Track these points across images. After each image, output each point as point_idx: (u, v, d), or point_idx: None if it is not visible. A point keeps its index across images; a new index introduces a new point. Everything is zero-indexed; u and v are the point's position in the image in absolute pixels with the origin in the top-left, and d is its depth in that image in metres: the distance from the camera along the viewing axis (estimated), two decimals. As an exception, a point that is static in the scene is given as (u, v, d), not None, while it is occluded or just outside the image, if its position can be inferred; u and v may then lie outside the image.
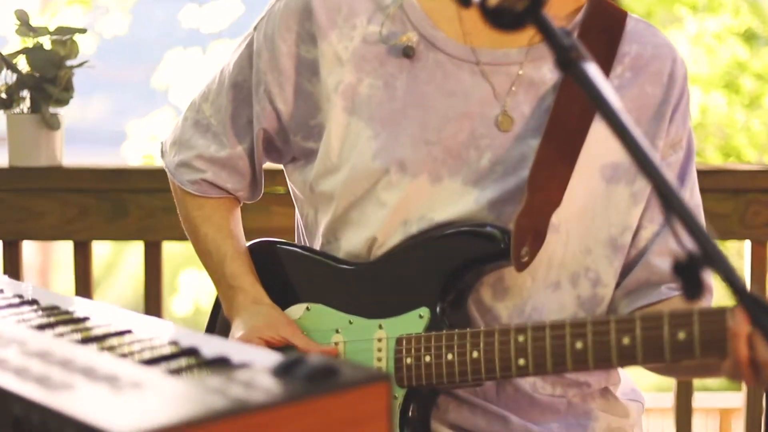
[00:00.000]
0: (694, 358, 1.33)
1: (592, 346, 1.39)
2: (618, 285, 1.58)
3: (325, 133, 1.57)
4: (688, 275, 1.12)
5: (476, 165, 1.54)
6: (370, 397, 1.06)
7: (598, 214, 1.56)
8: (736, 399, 3.44)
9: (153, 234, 2.46)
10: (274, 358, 1.05)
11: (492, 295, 1.54)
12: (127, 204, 2.41)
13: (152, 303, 2.48)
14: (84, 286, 2.47)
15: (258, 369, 1.01)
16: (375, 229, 1.55)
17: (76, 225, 2.42)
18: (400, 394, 1.51)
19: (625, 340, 1.37)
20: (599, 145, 1.53)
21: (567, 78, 1.43)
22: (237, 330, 1.55)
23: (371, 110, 1.55)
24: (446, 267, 1.52)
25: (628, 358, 1.37)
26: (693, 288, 1.10)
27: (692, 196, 1.61)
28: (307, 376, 1.03)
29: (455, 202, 1.52)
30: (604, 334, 1.38)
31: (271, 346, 1.54)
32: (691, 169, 1.60)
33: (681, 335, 1.33)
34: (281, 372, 1.02)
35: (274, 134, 1.65)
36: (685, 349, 1.33)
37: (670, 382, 2.65)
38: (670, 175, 1.54)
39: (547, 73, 1.54)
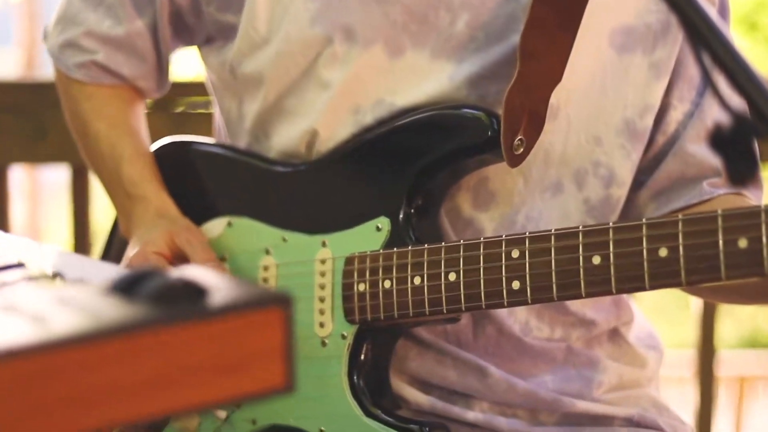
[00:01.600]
0: (764, 274, 1.06)
1: (615, 260, 1.11)
2: (642, 184, 1.34)
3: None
4: (734, 149, 0.84)
5: (449, 31, 1.28)
6: (252, 329, 0.79)
7: (609, 92, 1.31)
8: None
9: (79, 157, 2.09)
10: (119, 272, 0.82)
11: (472, 202, 1.30)
12: (47, 123, 2.05)
13: (80, 236, 2.13)
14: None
15: (91, 286, 0.82)
16: (315, 119, 1.32)
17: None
18: (349, 332, 1.27)
19: (663, 252, 1.09)
20: (606, 4, 1.28)
21: None
22: (131, 249, 1.26)
23: None
24: (412, 165, 1.26)
25: (666, 276, 1.10)
26: (740, 166, 0.73)
27: None
28: (153, 297, 0.79)
29: (422, 80, 1.28)
30: (632, 244, 1.11)
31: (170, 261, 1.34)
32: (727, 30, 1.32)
33: (742, 243, 1.06)
34: (121, 290, 0.78)
35: (183, 6, 1.41)
36: (750, 262, 1.06)
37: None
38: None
39: None
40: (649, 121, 1.30)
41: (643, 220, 1.11)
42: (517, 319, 1.31)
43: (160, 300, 0.77)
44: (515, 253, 1.15)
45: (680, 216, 1.09)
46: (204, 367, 0.77)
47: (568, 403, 1.31)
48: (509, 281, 1.16)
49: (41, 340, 0.68)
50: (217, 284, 0.81)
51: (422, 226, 1.25)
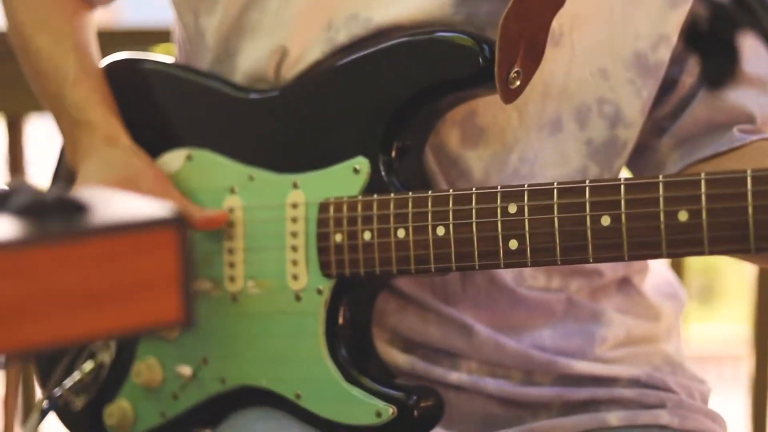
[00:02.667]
0: None
1: (628, 223, 0.98)
2: (665, 130, 1.21)
3: None
4: (711, 43, 0.74)
5: None
6: (139, 252, 0.70)
7: (618, 19, 1.16)
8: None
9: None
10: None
11: (460, 138, 1.18)
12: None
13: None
14: None
15: None
16: (282, 35, 1.19)
17: None
18: (325, 286, 1.15)
19: (683, 216, 0.95)
20: None
21: None
22: (78, 183, 1.12)
23: None
24: (393, 96, 1.13)
25: (687, 244, 0.96)
26: (718, 63, 0.62)
27: None
28: (21, 212, 0.70)
29: None
30: (647, 204, 0.97)
31: None
32: None
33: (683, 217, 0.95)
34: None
35: None
36: None
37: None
38: None
39: None
40: (664, 54, 1.16)
41: (660, 177, 0.97)
42: (513, 270, 1.18)
43: (29, 215, 0.68)
44: (512, 209, 1.03)
45: (703, 174, 0.95)
46: (81, 294, 0.68)
47: (564, 364, 1.18)
48: (506, 240, 1.03)
49: None
50: (100, 202, 0.71)
51: (405, 168, 1.12)
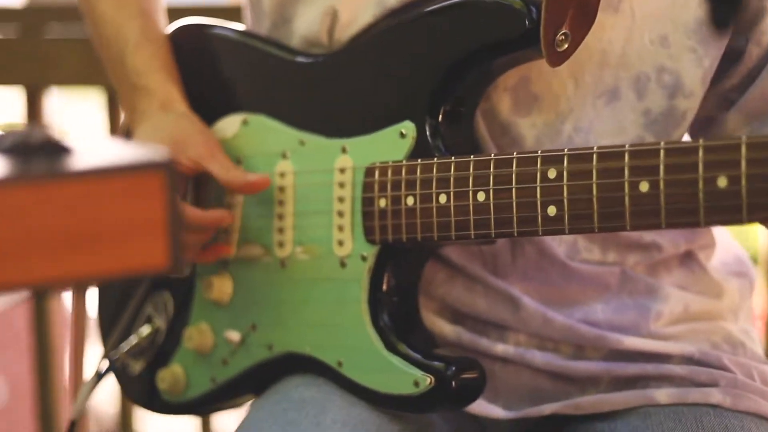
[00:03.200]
0: None
1: (665, 188, 0.94)
2: (733, 104, 1.16)
3: None
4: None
5: None
6: (125, 195, 0.70)
7: None
8: None
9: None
10: None
11: (512, 105, 1.14)
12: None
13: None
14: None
15: None
16: (320, 8, 1.18)
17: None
18: (370, 253, 1.14)
19: (722, 182, 0.90)
20: None
21: None
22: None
23: None
24: (440, 60, 1.10)
25: (725, 211, 0.92)
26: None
27: None
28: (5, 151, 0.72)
29: None
30: (685, 170, 0.92)
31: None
32: None
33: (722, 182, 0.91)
34: None
35: None
36: None
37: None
38: None
39: None
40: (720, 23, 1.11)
41: (700, 142, 0.92)
42: (563, 239, 1.15)
43: (13, 155, 0.68)
44: (552, 174, 0.99)
45: (744, 138, 0.90)
46: (66, 236, 0.68)
47: (615, 340, 1.14)
48: (544, 206, 1.00)
49: None
50: (90, 146, 0.71)
51: (453, 133, 1.10)
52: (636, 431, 1.10)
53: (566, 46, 1.03)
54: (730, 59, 1.15)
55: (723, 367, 1.16)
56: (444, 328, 1.18)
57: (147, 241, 0.69)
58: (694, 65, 1.13)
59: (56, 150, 0.68)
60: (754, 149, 0.89)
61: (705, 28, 1.12)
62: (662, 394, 1.13)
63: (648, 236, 1.17)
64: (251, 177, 1.17)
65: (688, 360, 1.17)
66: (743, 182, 0.89)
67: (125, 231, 0.69)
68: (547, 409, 1.14)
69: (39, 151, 0.68)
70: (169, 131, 1.22)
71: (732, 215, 0.91)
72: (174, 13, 1.41)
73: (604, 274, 1.16)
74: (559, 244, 1.15)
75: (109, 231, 0.68)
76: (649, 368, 1.14)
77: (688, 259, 1.22)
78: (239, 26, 1.31)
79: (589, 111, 1.13)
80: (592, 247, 1.16)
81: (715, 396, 1.13)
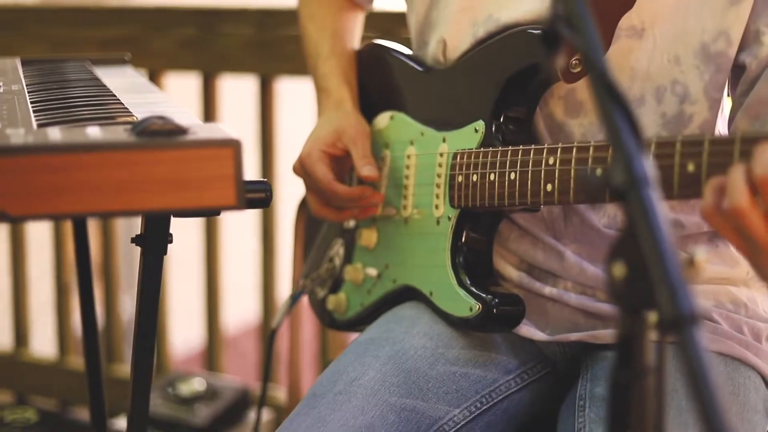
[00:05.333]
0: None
1: (660, 170, 1.23)
2: (740, 106, 1.48)
3: None
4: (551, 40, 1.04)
5: None
6: (213, 158, 1.17)
7: (690, 17, 1.46)
8: None
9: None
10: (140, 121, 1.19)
11: (564, 109, 1.54)
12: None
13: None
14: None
15: (120, 128, 1.19)
16: (445, 30, 1.62)
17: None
18: (453, 215, 1.58)
19: (690, 167, 1.22)
20: None
21: None
22: (309, 136, 1.70)
23: None
24: (500, 75, 1.52)
25: (691, 187, 1.22)
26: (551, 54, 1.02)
27: None
28: (145, 131, 1.20)
29: (521, 1, 1.51)
30: (667, 158, 1.24)
31: (334, 156, 1.66)
32: None
33: (690, 167, 1.22)
34: (134, 129, 1.18)
35: None
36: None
37: None
38: None
39: None
40: (722, 45, 1.45)
41: (678, 137, 1.24)
42: (606, 213, 1.53)
43: (146, 134, 1.16)
44: (551, 160, 1.38)
45: (707, 136, 1.21)
46: (173, 181, 1.15)
47: None
48: (545, 183, 1.38)
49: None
50: (196, 127, 1.19)
51: (513, 130, 1.51)
52: None
53: (579, 69, 1.43)
54: (738, 72, 1.48)
55: (710, 319, 1.52)
56: (512, 273, 1.59)
57: (224, 187, 1.17)
58: (698, 79, 1.47)
59: (174, 131, 1.17)
60: (715, 143, 1.19)
61: (706, 51, 1.46)
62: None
63: (679, 217, 1.52)
64: (366, 171, 1.62)
65: None
66: (704, 168, 1.18)
67: (211, 180, 1.16)
68: (573, 336, 1.54)
69: (161, 131, 1.17)
70: (335, 124, 1.68)
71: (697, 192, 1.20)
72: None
73: None
74: (601, 217, 1.53)
75: (200, 180, 1.16)
76: None
77: (715, 237, 1.55)
78: (403, 48, 1.76)
79: None
80: (614, 220, 1.53)
81: None
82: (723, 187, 1.13)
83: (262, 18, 2.84)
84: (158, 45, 3.00)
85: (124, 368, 3.26)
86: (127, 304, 3.54)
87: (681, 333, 0.85)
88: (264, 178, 2.79)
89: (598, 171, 1.30)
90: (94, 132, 1.16)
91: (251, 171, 2.78)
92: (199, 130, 1.19)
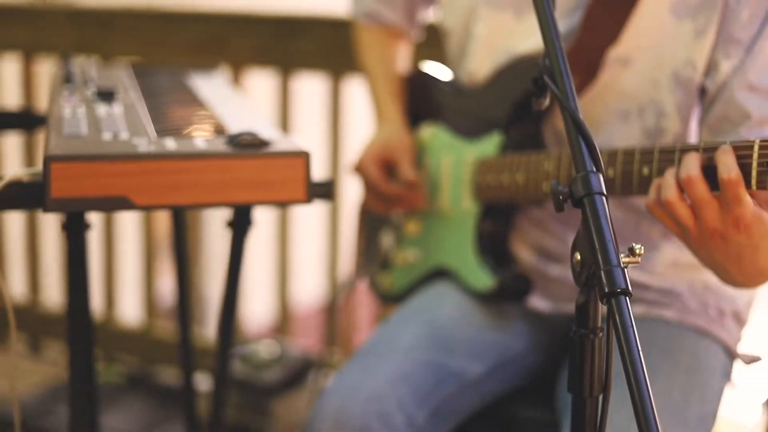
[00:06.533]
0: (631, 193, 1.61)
1: (622, 174, 1.63)
2: (703, 121, 1.80)
3: None
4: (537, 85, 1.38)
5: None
6: (288, 166, 1.59)
7: (667, 48, 1.80)
8: None
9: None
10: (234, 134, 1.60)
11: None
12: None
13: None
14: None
15: (219, 140, 1.60)
16: (472, 60, 2.02)
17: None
18: (477, 208, 1.99)
19: (645, 170, 1.60)
20: None
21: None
22: (365, 145, 2.12)
23: None
24: (513, 96, 1.90)
25: (646, 186, 1.59)
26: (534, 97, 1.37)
27: None
28: (238, 144, 1.50)
29: (533, 35, 1.87)
30: (629, 164, 1.62)
31: (384, 162, 2.07)
32: None
33: (645, 171, 1.59)
34: (229, 142, 1.60)
35: None
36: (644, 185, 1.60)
37: None
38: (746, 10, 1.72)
39: None
40: (689, 72, 1.77)
41: (635, 147, 1.61)
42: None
43: (237, 146, 1.56)
44: (546, 165, 1.77)
45: (657, 146, 1.58)
46: (257, 182, 1.55)
47: None
48: (541, 181, 1.77)
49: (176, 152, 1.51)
50: (276, 140, 1.58)
51: (525, 140, 1.89)
52: None
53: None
54: (702, 93, 1.81)
55: (681, 297, 1.89)
56: (525, 255, 1.98)
57: (294, 186, 1.56)
58: (672, 99, 1.81)
59: (259, 143, 1.56)
60: (663, 152, 1.55)
61: (678, 76, 1.79)
62: (636, 309, 1.87)
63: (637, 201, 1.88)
64: (409, 175, 2.03)
65: (658, 291, 1.90)
66: (654, 172, 1.56)
67: (286, 180, 1.56)
68: (567, 308, 1.92)
69: (250, 143, 1.56)
70: (384, 136, 2.11)
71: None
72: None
73: (624, 230, 1.89)
74: None
75: (278, 181, 1.56)
76: (634, 292, 1.86)
77: None
78: (442, 72, 2.15)
79: (611, 126, 1.85)
80: (617, 213, 1.89)
81: (667, 314, 1.87)
82: (660, 185, 1.51)
83: (332, 24, 3.20)
84: (239, 46, 3.39)
85: (197, 333, 3.67)
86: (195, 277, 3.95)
87: (614, 303, 1.21)
88: (333, 166, 3.20)
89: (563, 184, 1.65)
90: (200, 143, 1.56)
91: (323, 159, 3.20)
92: (279, 142, 1.58)
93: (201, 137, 1.61)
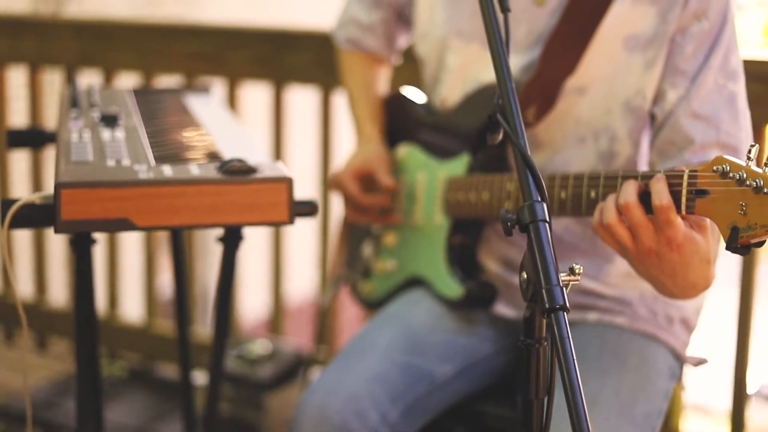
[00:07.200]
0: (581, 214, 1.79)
1: (572, 197, 1.82)
2: (652, 144, 1.98)
3: (414, 6, 2.25)
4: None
5: (515, 35, 2.04)
6: (273, 190, 1.77)
7: (619, 79, 1.98)
8: None
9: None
10: (227, 161, 1.76)
11: (528, 147, 1.97)
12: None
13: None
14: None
15: (211, 166, 1.76)
16: (445, 86, 2.20)
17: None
18: (448, 223, 2.16)
19: (592, 194, 1.78)
20: (623, 18, 1.95)
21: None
22: (345, 162, 2.30)
23: None
24: (479, 121, 2.07)
25: (594, 208, 1.77)
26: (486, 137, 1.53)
27: (726, 62, 1.92)
28: (228, 171, 1.66)
29: None
30: (578, 187, 1.80)
31: (362, 177, 2.24)
32: (722, 36, 1.93)
33: (592, 194, 1.77)
34: (220, 168, 1.71)
35: (399, 6, 2.36)
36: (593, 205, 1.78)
37: None
38: (691, 45, 1.89)
39: None
40: (639, 101, 1.95)
41: (584, 173, 1.78)
42: (562, 222, 2.06)
43: (225, 172, 1.73)
44: (508, 185, 1.94)
45: (602, 171, 1.76)
46: (245, 204, 1.72)
47: (582, 282, 2.05)
48: (503, 201, 1.94)
49: (167, 178, 1.68)
50: (263, 166, 1.76)
51: (492, 162, 2.06)
52: (571, 335, 2.01)
53: (533, 119, 1.98)
54: (652, 119, 1.98)
55: (631, 305, 2.07)
56: (492, 266, 2.16)
57: (279, 209, 1.73)
58: (623, 125, 1.99)
59: (246, 170, 1.74)
60: (608, 178, 1.73)
61: (629, 105, 1.96)
62: (591, 315, 2.06)
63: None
64: (387, 182, 2.21)
65: (612, 298, 2.07)
66: (600, 196, 1.74)
67: (271, 204, 1.73)
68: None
69: (237, 169, 1.74)
70: (365, 154, 2.29)
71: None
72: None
73: (582, 244, 2.07)
74: (557, 224, 2.05)
75: (263, 203, 1.73)
76: (588, 300, 2.07)
77: None
78: (419, 95, 2.32)
79: (569, 150, 2.03)
80: (576, 228, 2.07)
81: (619, 320, 2.05)
82: (603, 209, 1.69)
83: (325, 39, 3.28)
84: (235, 60, 3.55)
85: (197, 331, 3.83)
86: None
87: (553, 318, 1.37)
88: (323, 172, 3.37)
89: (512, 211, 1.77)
90: (194, 169, 1.74)
91: (312, 164, 3.36)
92: (265, 168, 1.76)
93: (196, 162, 1.79)
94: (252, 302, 5.45)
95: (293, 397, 3.34)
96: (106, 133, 1.95)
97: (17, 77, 4.14)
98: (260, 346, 3.46)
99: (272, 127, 3.54)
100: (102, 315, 3.99)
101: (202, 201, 1.70)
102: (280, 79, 3.50)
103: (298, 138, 3.76)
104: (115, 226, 1.67)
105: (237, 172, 1.73)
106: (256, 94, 3.78)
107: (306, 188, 4.24)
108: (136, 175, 1.68)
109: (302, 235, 4.41)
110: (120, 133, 1.95)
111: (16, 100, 4.19)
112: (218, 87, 3.76)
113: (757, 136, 2.69)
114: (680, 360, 2.08)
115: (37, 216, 1.71)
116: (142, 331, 3.96)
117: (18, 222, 1.71)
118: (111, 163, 1.75)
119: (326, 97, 3.43)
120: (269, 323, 3.85)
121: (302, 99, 3.86)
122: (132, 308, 4.37)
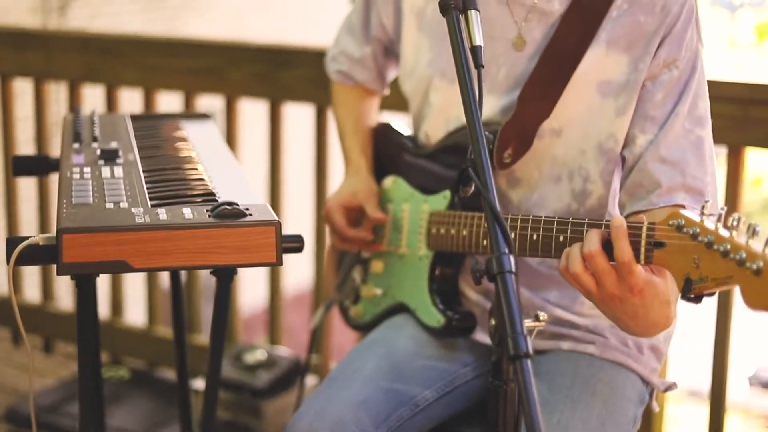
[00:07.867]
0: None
1: (542, 239, 1.92)
2: (622, 186, 2.07)
3: (401, 45, 2.34)
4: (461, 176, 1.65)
5: (495, 77, 2.15)
6: (261, 233, 1.85)
7: (593, 122, 2.08)
8: None
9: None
10: (218, 204, 1.82)
11: (507, 183, 2.18)
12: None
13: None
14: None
15: (203, 208, 1.85)
16: (428, 123, 2.30)
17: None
18: (429, 254, 2.27)
19: (561, 238, 1.89)
20: (598, 65, 2.05)
21: (570, 9, 2.04)
22: (334, 193, 2.40)
23: (432, 28, 2.26)
24: (459, 159, 2.18)
25: (562, 251, 1.86)
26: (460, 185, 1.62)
27: (694, 108, 2.02)
28: (219, 214, 1.75)
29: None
30: (548, 231, 1.91)
31: (350, 209, 2.34)
32: (691, 83, 2.03)
33: (561, 238, 1.87)
34: (212, 211, 1.77)
35: (387, 42, 2.45)
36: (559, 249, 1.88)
37: None
38: (661, 92, 1.98)
39: (556, 5, 2.09)
40: (611, 144, 2.05)
41: (555, 218, 1.89)
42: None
43: (217, 216, 1.83)
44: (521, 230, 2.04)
45: (572, 218, 1.87)
46: (235, 247, 1.82)
47: (556, 311, 2.17)
48: (482, 239, 2.05)
49: (160, 223, 1.78)
50: (253, 209, 1.86)
51: (470, 201, 2.15)
52: (546, 362, 2.15)
53: (509, 159, 2.08)
54: (623, 162, 2.08)
55: (602, 335, 2.17)
56: (472, 295, 2.26)
57: (267, 251, 1.84)
58: (596, 165, 2.09)
59: (238, 213, 1.84)
60: (573, 223, 1.86)
61: (601, 147, 2.06)
62: (565, 344, 2.17)
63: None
64: (376, 215, 2.31)
65: (584, 328, 2.18)
66: (568, 240, 1.85)
67: (260, 246, 1.83)
68: None
69: (229, 213, 1.84)
70: (353, 187, 2.38)
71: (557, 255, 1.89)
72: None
73: (556, 275, 2.16)
74: (533, 260, 2.16)
75: (252, 245, 1.83)
76: (563, 330, 2.17)
77: None
78: (405, 128, 2.43)
79: (545, 188, 2.13)
80: (552, 261, 2.14)
81: (590, 349, 2.16)
82: (569, 256, 1.79)
83: (320, 56, 3.44)
84: (234, 75, 3.66)
85: (199, 338, 3.95)
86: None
87: (518, 364, 1.47)
88: (317, 188, 3.48)
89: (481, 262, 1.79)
90: (187, 212, 1.83)
91: (307, 178, 3.44)
92: (255, 211, 1.85)
93: (189, 205, 1.88)
94: (250, 295, 5.52)
95: (290, 404, 3.46)
96: (106, 171, 2.05)
97: (24, 86, 4.24)
98: (257, 354, 3.57)
99: (269, 142, 3.65)
100: (105, 319, 4.09)
101: (194, 243, 1.79)
102: (276, 97, 3.61)
103: (295, 152, 3.86)
104: (113, 267, 1.77)
105: (228, 215, 1.83)
106: (255, 108, 3.88)
107: (303, 198, 4.34)
108: (133, 219, 1.78)
109: (301, 232, 4.50)
110: (119, 171, 2.06)
111: (23, 110, 4.29)
112: (217, 102, 3.87)
113: (736, 158, 2.79)
114: (648, 385, 2.19)
115: (41, 255, 1.80)
116: (144, 336, 4.07)
117: (22, 260, 1.81)
118: (110, 205, 1.85)
119: (321, 114, 3.55)
120: (266, 335, 3.95)
121: (300, 114, 3.93)
122: (135, 313, 4.47)
